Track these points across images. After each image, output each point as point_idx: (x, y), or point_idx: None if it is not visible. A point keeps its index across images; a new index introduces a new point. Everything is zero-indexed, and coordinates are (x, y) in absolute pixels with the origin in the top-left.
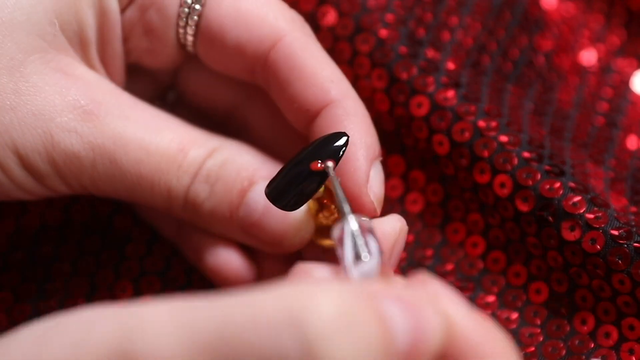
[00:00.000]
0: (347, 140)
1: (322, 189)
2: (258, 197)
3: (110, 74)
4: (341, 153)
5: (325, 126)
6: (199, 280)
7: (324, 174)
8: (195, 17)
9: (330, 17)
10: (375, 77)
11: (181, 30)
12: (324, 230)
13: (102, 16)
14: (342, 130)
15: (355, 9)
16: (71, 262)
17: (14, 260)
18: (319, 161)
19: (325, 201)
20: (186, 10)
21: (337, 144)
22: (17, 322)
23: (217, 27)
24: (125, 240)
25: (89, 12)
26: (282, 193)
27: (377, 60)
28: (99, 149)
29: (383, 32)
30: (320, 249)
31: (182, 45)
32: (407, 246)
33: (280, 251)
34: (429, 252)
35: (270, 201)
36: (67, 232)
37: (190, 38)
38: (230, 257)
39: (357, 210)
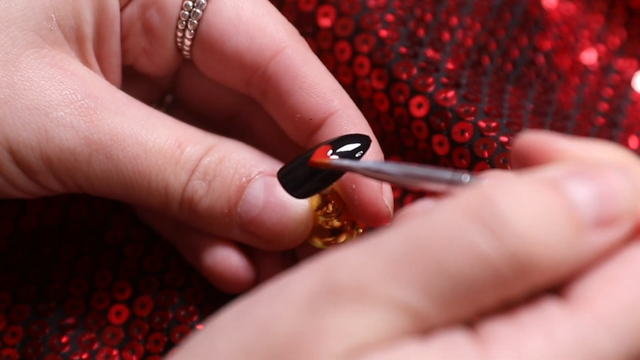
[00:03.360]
0: (369, 143)
1: (329, 187)
2: (257, 193)
3: (105, 72)
4: (362, 152)
5: (332, 135)
6: (198, 280)
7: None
8: (195, 21)
9: (329, 17)
10: (375, 77)
11: (179, 34)
12: (318, 230)
13: (100, 12)
14: None
15: (355, 9)
16: (70, 262)
17: (13, 261)
18: (330, 150)
19: (331, 201)
20: (186, 13)
21: (358, 143)
22: (15, 323)
23: (217, 33)
24: (123, 240)
25: (87, 7)
26: (294, 179)
27: (377, 61)
28: (95, 144)
29: (383, 32)
30: (314, 248)
31: (179, 50)
32: None
33: (279, 248)
34: None
35: (282, 186)
36: (65, 233)
37: (187, 42)
38: (229, 256)
39: (373, 215)
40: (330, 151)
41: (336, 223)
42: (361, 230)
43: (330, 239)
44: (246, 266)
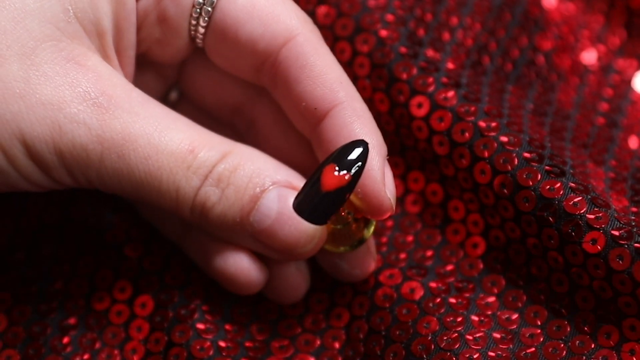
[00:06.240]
0: (367, 147)
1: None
2: (270, 204)
3: (121, 65)
4: (363, 162)
5: (335, 126)
6: (198, 279)
7: (349, 185)
8: (209, 9)
9: (329, 17)
10: (375, 77)
11: (193, 22)
12: (334, 236)
13: (118, 4)
14: (353, 131)
15: (355, 9)
16: (70, 262)
17: (14, 261)
18: (336, 169)
19: (343, 207)
20: (201, 1)
21: (357, 151)
22: (17, 323)
23: (232, 19)
24: (123, 240)
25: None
26: (310, 207)
27: (377, 60)
28: (107, 142)
29: (383, 32)
30: (332, 254)
31: (191, 38)
32: (407, 247)
33: (290, 259)
34: (429, 253)
35: (300, 216)
36: (66, 232)
37: (201, 29)
38: (240, 258)
39: (376, 207)
40: (337, 168)
41: (350, 226)
42: (372, 229)
43: (345, 242)
44: (257, 268)
